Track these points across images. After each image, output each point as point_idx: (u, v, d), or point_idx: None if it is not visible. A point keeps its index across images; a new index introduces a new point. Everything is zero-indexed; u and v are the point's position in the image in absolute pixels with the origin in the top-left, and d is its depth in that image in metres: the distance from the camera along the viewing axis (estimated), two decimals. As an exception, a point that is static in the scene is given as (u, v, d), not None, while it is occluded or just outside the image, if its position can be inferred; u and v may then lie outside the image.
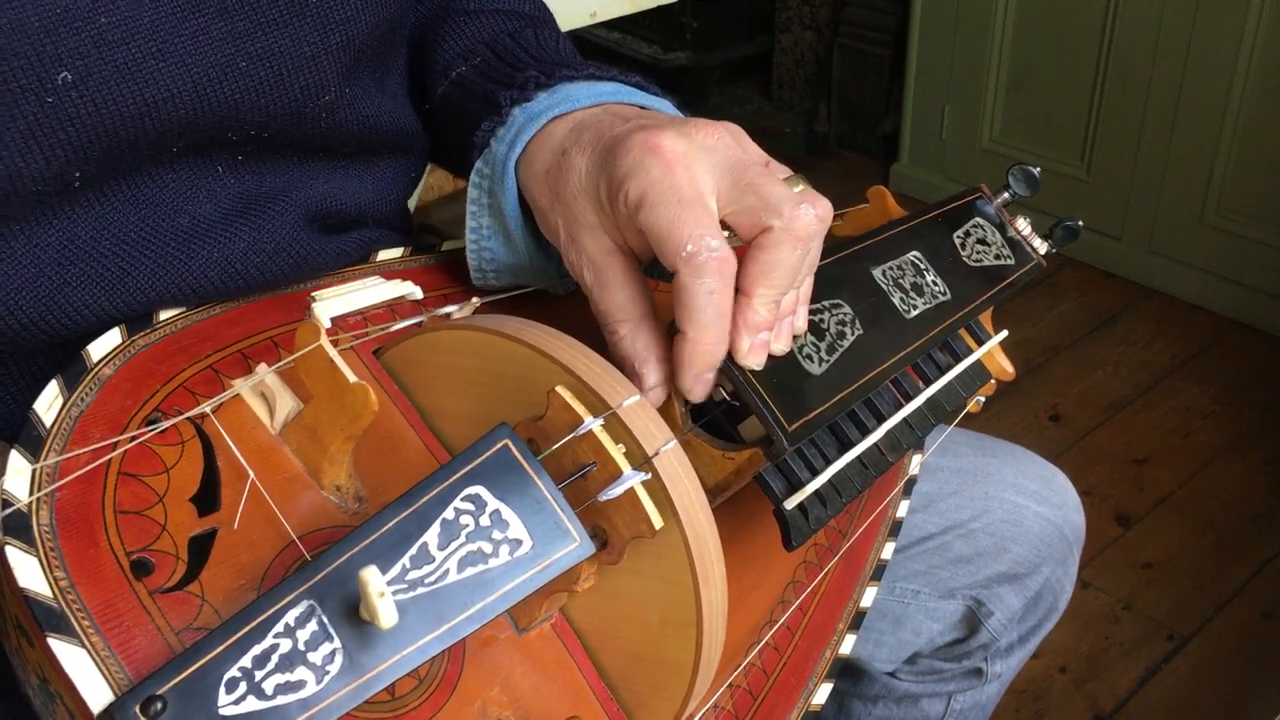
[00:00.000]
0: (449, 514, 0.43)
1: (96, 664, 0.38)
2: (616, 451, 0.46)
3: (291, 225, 0.53)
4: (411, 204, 0.73)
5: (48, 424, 0.44)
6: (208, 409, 0.47)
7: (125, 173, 0.49)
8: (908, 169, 2.71)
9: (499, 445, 0.44)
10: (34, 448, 0.43)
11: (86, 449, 0.43)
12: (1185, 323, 2.23)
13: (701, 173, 0.48)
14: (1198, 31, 2.10)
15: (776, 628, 0.59)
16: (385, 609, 0.38)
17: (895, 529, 0.69)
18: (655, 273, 0.52)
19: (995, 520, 0.85)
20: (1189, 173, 2.20)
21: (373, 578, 0.38)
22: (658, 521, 0.45)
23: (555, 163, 0.52)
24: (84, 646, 0.39)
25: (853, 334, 0.57)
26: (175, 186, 0.51)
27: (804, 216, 0.48)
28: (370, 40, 0.57)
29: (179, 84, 0.48)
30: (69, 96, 0.45)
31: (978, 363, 0.67)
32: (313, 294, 0.54)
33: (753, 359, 0.50)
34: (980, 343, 0.68)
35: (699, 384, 0.49)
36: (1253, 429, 1.96)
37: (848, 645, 0.63)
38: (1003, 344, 0.72)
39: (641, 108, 0.55)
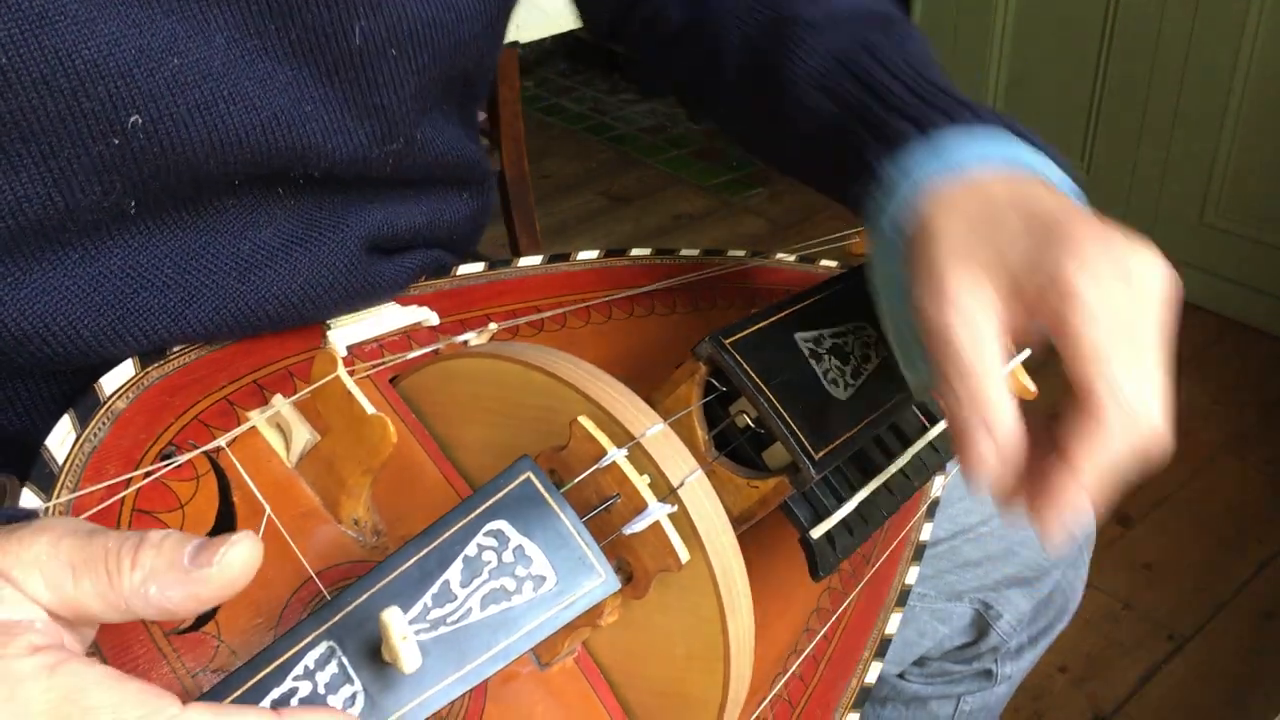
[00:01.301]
0: (471, 550, 0.42)
1: (111, 710, 0.37)
2: (641, 483, 0.44)
3: (351, 253, 0.52)
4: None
5: (60, 460, 0.43)
6: (223, 443, 0.46)
7: (186, 202, 0.49)
8: (908, 170, 2.69)
9: (521, 478, 0.43)
10: (46, 485, 0.42)
11: (100, 486, 0.42)
12: (1185, 323, 2.19)
13: (1151, 307, 0.46)
14: (1198, 32, 2.08)
15: (803, 658, 0.58)
16: (408, 652, 0.36)
17: (919, 553, 0.68)
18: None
19: (1003, 524, 0.84)
20: (1189, 173, 2.18)
21: (395, 620, 0.37)
22: (684, 555, 0.44)
23: (977, 212, 0.47)
24: (98, 692, 0.37)
25: (877, 357, 0.56)
26: (237, 211, 0.50)
27: (1151, 426, 0.44)
28: (448, 85, 0.55)
29: (247, 127, 0.47)
30: (137, 138, 0.44)
31: (1001, 382, 0.66)
32: (328, 321, 0.53)
33: (1059, 538, 0.45)
34: (1003, 362, 0.67)
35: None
36: (1253, 429, 1.94)
37: (873, 674, 0.61)
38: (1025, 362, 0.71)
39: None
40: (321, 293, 0.52)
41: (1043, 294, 0.44)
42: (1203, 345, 2.15)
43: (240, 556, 0.35)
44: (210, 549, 0.35)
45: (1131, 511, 1.79)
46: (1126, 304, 0.44)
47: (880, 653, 0.62)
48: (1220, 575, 1.68)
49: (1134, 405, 0.43)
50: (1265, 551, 1.72)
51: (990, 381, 0.44)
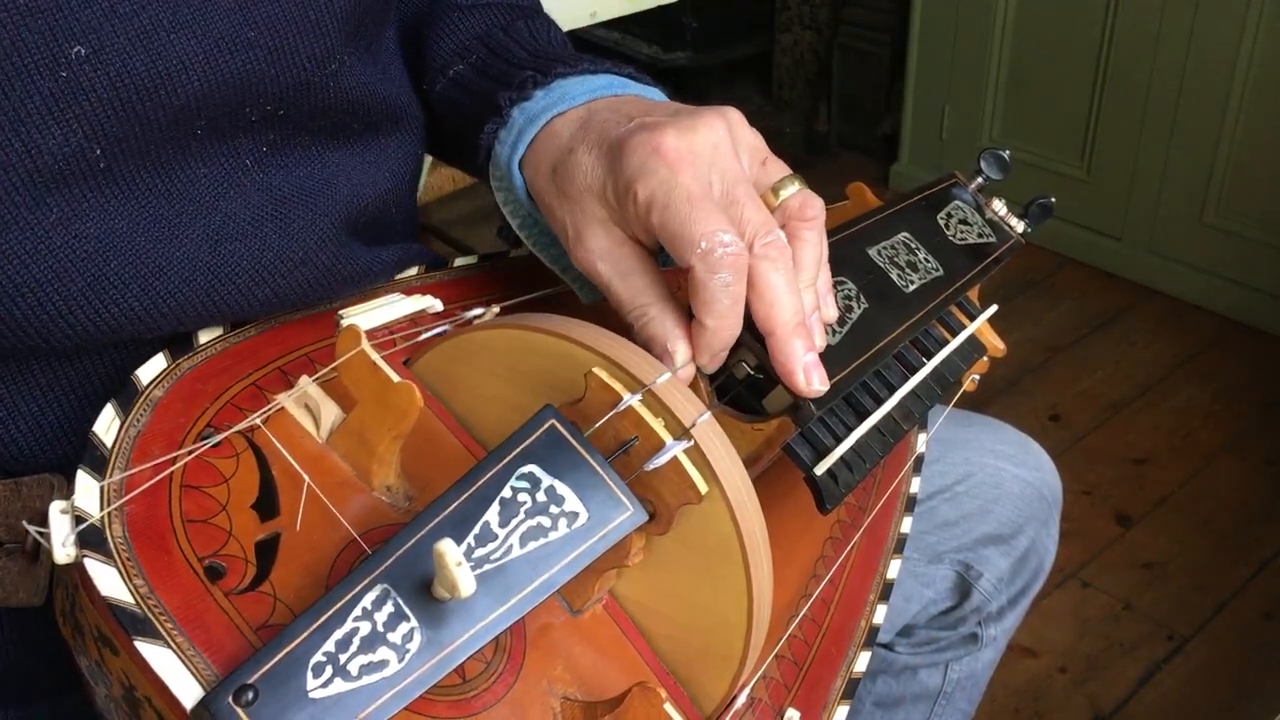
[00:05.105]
0: (506, 493, 0.44)
1: (184, 662, 0.40)
2: (657, 424, 0.47)
3: (320, 234, 0.55)
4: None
5: (109, 444, 0.45)
6: (257, 420, 0.48)
7: (154, 159, 0.50)
8: (908, 169, 2.67)
9: (546, 426, 0.46)
10: (98, 467, 0.44)
11: (149, 464, 0.45)
12: (1185, 323, 2.22)
13: (704, 170, 0.51)
14: (1198, 32, 2.10)
15: (812, 600, 0.61)
16: (464, 577, 0.39)
17: (910, 504, 0.71)
18: (664, 260, 0.55)
19: (977, 483, 0.88)
20: (1189, 173, 2.20)
21: (450, 549, 0.39)
22: (703, 487, 0.47)
23: (562, 161, 0.54)
24: (170, 647, 0.40)
25: (859, 307, 0.59)
26: (207, 181, 0.52)
27: (776, 244, 0.50)
28: (370, 6, 0.58)
29: (191, 54, 0.49)
30: (83, 70, 0.46)
31: (973, 336, 0.69)
32: (339, 312, 0.56)
33: (816, 383, 0.51)
34: (972, 318, 0.71)
35: (715, 361, 0.52)
36: (1253, 429, 1.96)
37: (880, 615, 0.64)
38: (1003, 337, 0.75)
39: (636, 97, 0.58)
40: (291, 270, 0.54)
41: (624, 208, 0.51)
42: (1203, 345, 2.17)
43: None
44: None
45: (1131, 511, 1.80)
46: (686, 178, 0.50)
47: (884, 595, 0.65)
48: (1220, 575, 1.69)
49: (712, 255, 0.49)
50: (1265, 551, 1.73)
51: (644, 308, 0.52)
